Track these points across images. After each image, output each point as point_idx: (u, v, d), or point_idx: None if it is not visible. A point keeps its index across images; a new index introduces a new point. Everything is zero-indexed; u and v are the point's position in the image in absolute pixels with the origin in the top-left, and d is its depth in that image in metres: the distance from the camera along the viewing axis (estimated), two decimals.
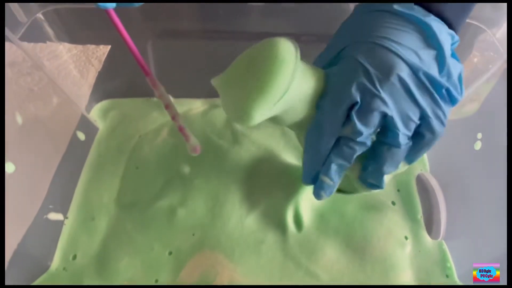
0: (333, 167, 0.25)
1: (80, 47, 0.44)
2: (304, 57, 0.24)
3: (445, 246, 0.37)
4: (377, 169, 0.26)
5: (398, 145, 0.24)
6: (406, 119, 0.23)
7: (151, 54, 0.42)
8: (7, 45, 0.32)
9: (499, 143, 0.32)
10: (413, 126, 0.24)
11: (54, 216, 0.36)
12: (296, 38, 0.27)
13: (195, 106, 0.48)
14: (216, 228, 0.37)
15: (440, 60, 0.23)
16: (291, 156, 0.43)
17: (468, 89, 0.40)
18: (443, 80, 0.23)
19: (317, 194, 0.28)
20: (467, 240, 0.36)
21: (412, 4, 0.24)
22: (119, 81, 0.48)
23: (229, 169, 0.41)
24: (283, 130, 0.45)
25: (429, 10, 0.24)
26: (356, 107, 0.23)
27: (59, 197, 0.37)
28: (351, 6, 0.33)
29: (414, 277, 0.35)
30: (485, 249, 0.33)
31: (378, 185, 0.27)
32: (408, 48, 0.23)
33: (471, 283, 0.34)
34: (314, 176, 0.27)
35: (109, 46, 0.44)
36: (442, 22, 0.24)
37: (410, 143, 0.25)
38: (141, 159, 0.43)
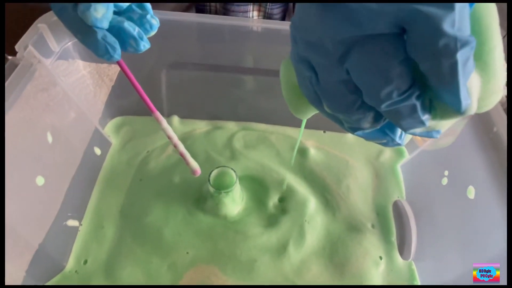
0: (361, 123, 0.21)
1: (93, 65, 0.48)
2: None
3: (414, 266, 0.42)
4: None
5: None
6: None
7: (164, 81, 0.47)
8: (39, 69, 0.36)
9: (462, 180, 0.37)
10: None
11: (71, 222, 0.40)
12: None
13: (199, 126, 0.53)
14: (207, 248, 0.40)
15: None
16: (284, 172, 0.47)
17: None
18: None
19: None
20: (433, 261, 0.40)
21: None
22: (131, 99, 0.52)
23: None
24: (278, 150, 0.50)
25: None
26: (313, 81, 0.21)
27: (76, 205, 0.42)
28: None
29: None
30: (447, 269, 0.38)
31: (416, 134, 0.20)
32: None
33: (446, 284, 0.38)
34: None
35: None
36: None
37: (408, 101, 0.18)
38: (145, 173, 0.47)
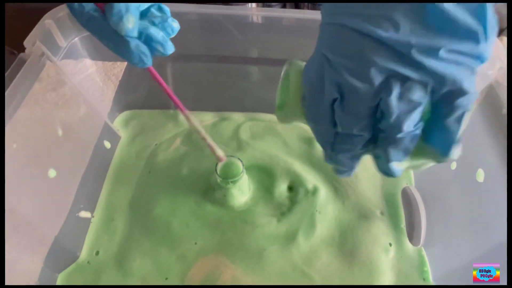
0: (340, 156, 0.24)
1: (99, 63, 0.48)
2: None
3: (423, 253, 0.42)
4: (384, 158, 0.23)
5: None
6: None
7: (170, 75, 0.47)
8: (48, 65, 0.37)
9: (471, 163, 0.37)
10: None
11: (84, 214, 0.41)
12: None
13: (206, 118, 0.53)
14: (215, 238, 0.41)
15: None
16: (292, 161, 0.47)
17: None
18: None
19: (338, 175, 0.27)
20: (442, 247, 0.40)
21: None
22: (139, 93, 0.53)
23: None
24: (285, 140, 0.50)
25: None
26: (337, 102, 0.21)
27: (88, 197, 0.43)
28: None
29: (395, 279, 0.40)
30: (457, 255, 0.38)
31: (389, 173, 0.24)
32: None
33: (446, 285, 0.38)
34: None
35: (126, 63, 0.49)
36: None
37: (416, 131, 0.21)
38: (154, 165, 0.48)
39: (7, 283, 0.32)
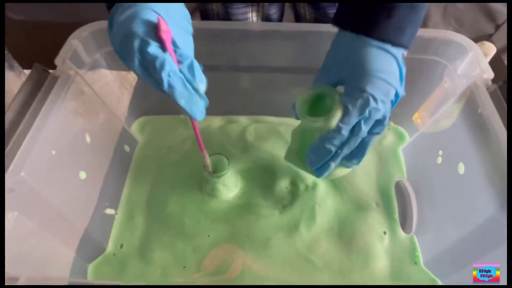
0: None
1: (114, 72, 0.52)
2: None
3: (415, 239, 0.46)
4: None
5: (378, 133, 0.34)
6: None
7: None
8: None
9: (454, 158, 0.41)
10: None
11: (109, 211, 0.46)
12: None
13: (214, 122, 0.58)
14: (226, 230, 0.45)
15: (401, 78, 0.32)
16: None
17: (441, 108, 0.48)
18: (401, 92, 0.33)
19: (322, 175, 0.37)
20: (432, 233, 0.44)
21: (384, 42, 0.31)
22: (152, 100, 0.58)
23: (237, 171, 0.50)
24: (287, 141, 0.54)
25: (398, 43, 0.32)
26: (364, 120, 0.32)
27: (111, 196, 0.47)
28: None
29: (389, 263, 0.44)
30: (445, 239, 0.42)
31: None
32: (395, 77, 0.31)
33: (435, 269, 0.42)
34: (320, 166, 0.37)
35: None
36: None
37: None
38: (166, 166, 0.52)
39: (44, 271, 0.37)
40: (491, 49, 0.49)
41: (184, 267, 0.42)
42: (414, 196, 0.47)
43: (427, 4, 0.32)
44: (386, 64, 0.31)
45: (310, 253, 0.44)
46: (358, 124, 0.32)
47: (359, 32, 0.31)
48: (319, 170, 0.37)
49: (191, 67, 0.31)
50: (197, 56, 0.52)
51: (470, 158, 0.38)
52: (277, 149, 0.53)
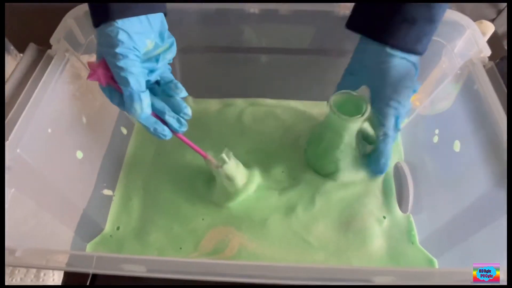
0: None
1: None
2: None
3: (411, 219, 0.46)
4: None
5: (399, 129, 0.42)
6: None
7: (178, 66, 0.52)
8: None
9: (450, 136, 0.41)
10: None
11: (107, 192, 0.47)
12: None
13: (211, 105, 0.57)
14: (222, 213, 0.45)
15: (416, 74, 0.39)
16: (290, 142, 0.52)
17: (439, 88, 0.48)
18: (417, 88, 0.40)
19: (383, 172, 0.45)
20: (427, 212, 0.45)
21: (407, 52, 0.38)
22: None
23: (234, 155, 0.49)
24: (284, 123, 0.54)
25: (417, 53, 0.38)
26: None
27: (109, 177, 0.48)
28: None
29: (386, 243, 0.44)
30: (440, 217, 0.42)
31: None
32: (413, 80, 0.39)
33: (431, 247, 0.43)
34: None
35: None
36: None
37: None
38: (162, 148, 0.52)
39: (47, 247, 0.37)
40: (489, 28, 0.49)
41: (180, 248, 0.43)
42: (410, 176, 0.47)
43: (442, 17, 0.37)
44: (408, 71, 0.38)
45: (307, 233, 0.44)
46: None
47: (384, 43, 0.37)
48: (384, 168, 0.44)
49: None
50: (193, 37, 0.52)
51: (466, 135, 0.38)
52: (275, 132, 0.53)
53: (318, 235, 0.44)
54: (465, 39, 0.42)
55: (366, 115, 0.40)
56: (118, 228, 0.45)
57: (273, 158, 0.50)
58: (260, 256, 0.42)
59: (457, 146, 0.39)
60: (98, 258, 0.28)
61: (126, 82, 0.33)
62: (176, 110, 0.37)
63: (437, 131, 0.44)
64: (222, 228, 0.44)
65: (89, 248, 0.43)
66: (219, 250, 0.42)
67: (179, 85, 0.37)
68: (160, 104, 0.36)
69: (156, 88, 0.38)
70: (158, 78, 0.38)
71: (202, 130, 0.54)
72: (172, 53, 0.38)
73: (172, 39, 0.38)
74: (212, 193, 0.47)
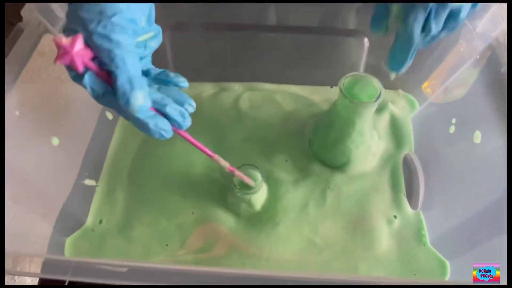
0: None
1: None
2: None
3: (421, 216, 0.42)
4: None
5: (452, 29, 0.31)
6: None
7: (168, 45, 0.48)
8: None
9: (469, 126, 0.37)
10: None
11: (89, 182, 0.43)
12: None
13: (206, 89, 0.53)
14: (212, 207, 0.41)
15: None
16: (292, 130, 0.47)
17: (455, 75, 0.44)
18: None
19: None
20: (439, 210, 0.40)
21: None
22: None
23: (229, 144, 0.46)
24: (284, 109, 0.50)
25: None
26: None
27: (93, 166, 0.44)
28: None
29: (396, 246, 0.39)
30: (453, 216, 0.38)
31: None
32: None
33: (442, 248, 0.39)
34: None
35: None
36: None
37: None
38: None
39: (22, 248, 0.34)
40: None
41: (166, 245, 0.39)
42: (421, 169, 0.43)
43: None
44: None
45: (314, 233, 0.40)
46: (428, 22, 0.29)
47: None
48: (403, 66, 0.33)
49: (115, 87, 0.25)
50: (185, 13, 0.47)
51: (488, 125, 0.34)
52: (274, 119, 0.49)
53: (325, 235, 0.40)
54: (489, 17, 0.37)
55: (381, 98, 0.36)
56: (100, 222, 0.41)
57: (274, 147, 0.46)
58: (254, 256, 0.38)
59: (477, 137, 0.35)
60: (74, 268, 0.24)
61: (123, 63, 0.24)
62: (177, 102, 0.29)
63: (454, 120, 0.39)
64: (211, 225, 0.40)
65: (68, 243, 0.39)
66: (207, 249, 0.38)
67: (178, 74, 0.30)
68: (158, 95, 0.28)
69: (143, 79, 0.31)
70: (144, 68, 0.31)
71: (195, 116, 0.48)
72: (157, 42, 0.31)
73: (158, 27, 0.32)
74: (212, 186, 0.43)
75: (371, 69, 0.49)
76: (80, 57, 0.24)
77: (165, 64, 0.51)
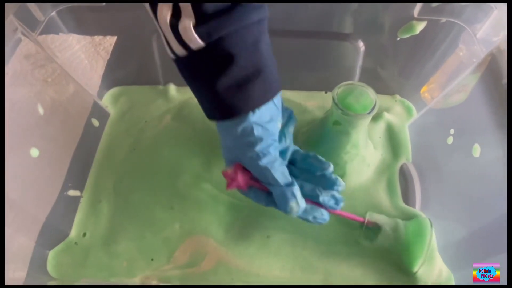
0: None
1: (88, 38, 0.46)
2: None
3: None
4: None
5: None
6: None
7: (156, 48, 0.46)
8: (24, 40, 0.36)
9: (468, 138, 0.35)
10: None
11: (73, 192, 0.41)
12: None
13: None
14: (201, 218, 0.39)
15: None
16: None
17: (454, 80, 0.42)
18: None
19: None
20: (436, 223, 0.39)
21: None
22: (128, 69, 0.52)
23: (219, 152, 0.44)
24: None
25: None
26: None
27: (78, 176, 0.42)
28: None
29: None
30: (452, 230, 0.37)
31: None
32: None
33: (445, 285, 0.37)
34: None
35: (115, 37, 0.47)
36: None
37: None
38: (139, 143, 0.46)
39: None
40: None
41: (152, 259, 0.37)
42: (418, 180, 0.42)
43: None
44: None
45: (303, 249, 0.38)
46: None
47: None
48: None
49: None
50: None
51: (488, 139, 0.32)
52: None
53: (320, 251, 0.38)
54: (491, 22, 0.35)
55: (375, 110, 0.34)
56: (84, 235, 0.40)
57: None
58: (243, 271, 0.37)
59: (476, 150, 0.33)
60: None
61: (275, 181, 0.29)
62: (327, 187, 0.31)
63: (452, 131, 0.37)
64: (198, 238, 0.38)
65: (50, 256, 0.38)
66: (194, 263, 0.37)
67: (321, 158, 0.32)
68: (309, 187, 0.31)
69: (290, 167, 0.33)
70: (290, 157, 0.34)
71: (186, 123, 0.48)
72: (294, 125, 0.35)
73: (290, 110, 0.35)
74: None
75: (367, 73, 0.47)
76: (243, 180, 0.30)
77: (154, 68, 0.49)
